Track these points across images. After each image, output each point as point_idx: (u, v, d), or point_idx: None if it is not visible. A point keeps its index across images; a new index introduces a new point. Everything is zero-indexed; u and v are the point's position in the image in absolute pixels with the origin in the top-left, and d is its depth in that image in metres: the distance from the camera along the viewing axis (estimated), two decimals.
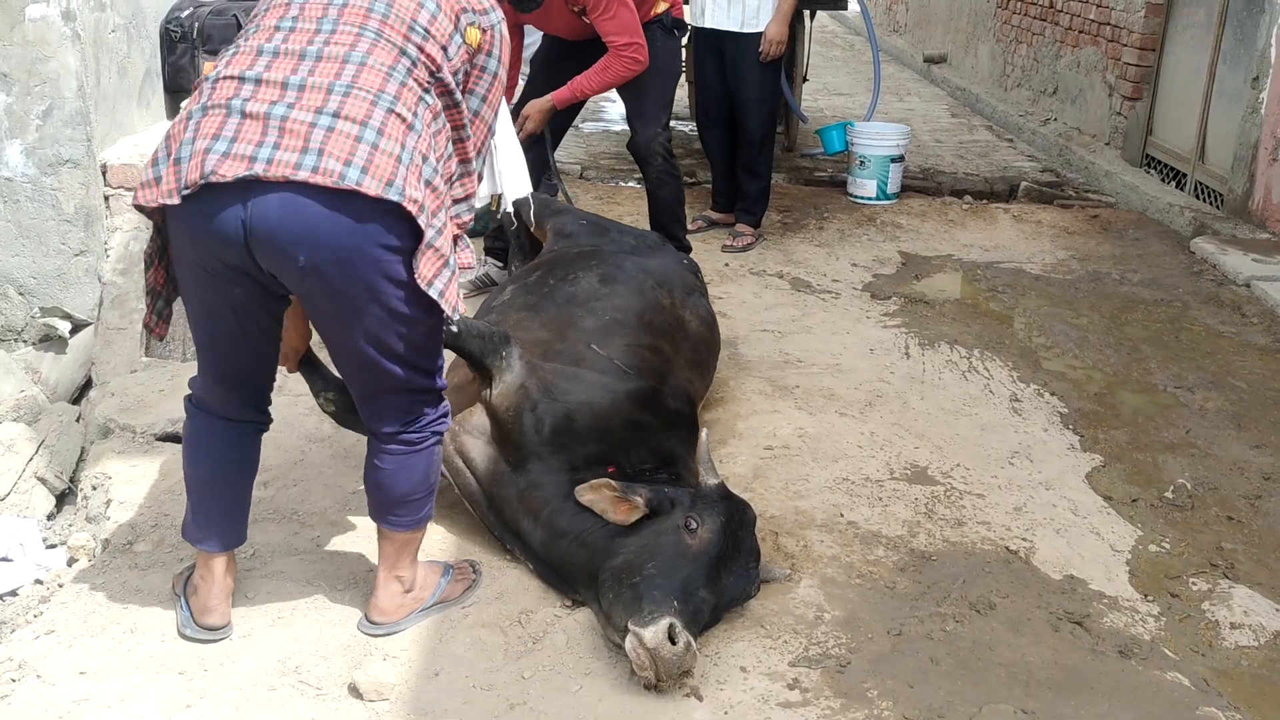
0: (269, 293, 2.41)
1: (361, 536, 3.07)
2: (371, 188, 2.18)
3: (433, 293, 2.31)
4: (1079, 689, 2.55)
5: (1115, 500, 3.38)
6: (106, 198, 4.17)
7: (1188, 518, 3.30)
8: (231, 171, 2.16)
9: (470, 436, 3.04)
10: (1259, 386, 4.13)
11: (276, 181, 2.18)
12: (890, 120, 7.59)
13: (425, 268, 2.29)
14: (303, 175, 2.16)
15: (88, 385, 4.01)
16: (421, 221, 2.25)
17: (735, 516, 2.70)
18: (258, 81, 2.25)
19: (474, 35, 2.50)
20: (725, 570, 2.62)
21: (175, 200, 2.22)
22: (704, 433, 2.79)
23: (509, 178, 3.49)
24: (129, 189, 4.20)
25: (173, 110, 4.79)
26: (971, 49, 10.78)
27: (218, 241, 2.25)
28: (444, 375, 2.63)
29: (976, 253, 5.72)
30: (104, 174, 4.17)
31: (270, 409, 2.72)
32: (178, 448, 3.45)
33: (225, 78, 2.29)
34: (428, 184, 2.31)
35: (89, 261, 4.07)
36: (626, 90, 4.93)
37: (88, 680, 2.51)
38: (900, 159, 6.49)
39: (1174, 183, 6.77)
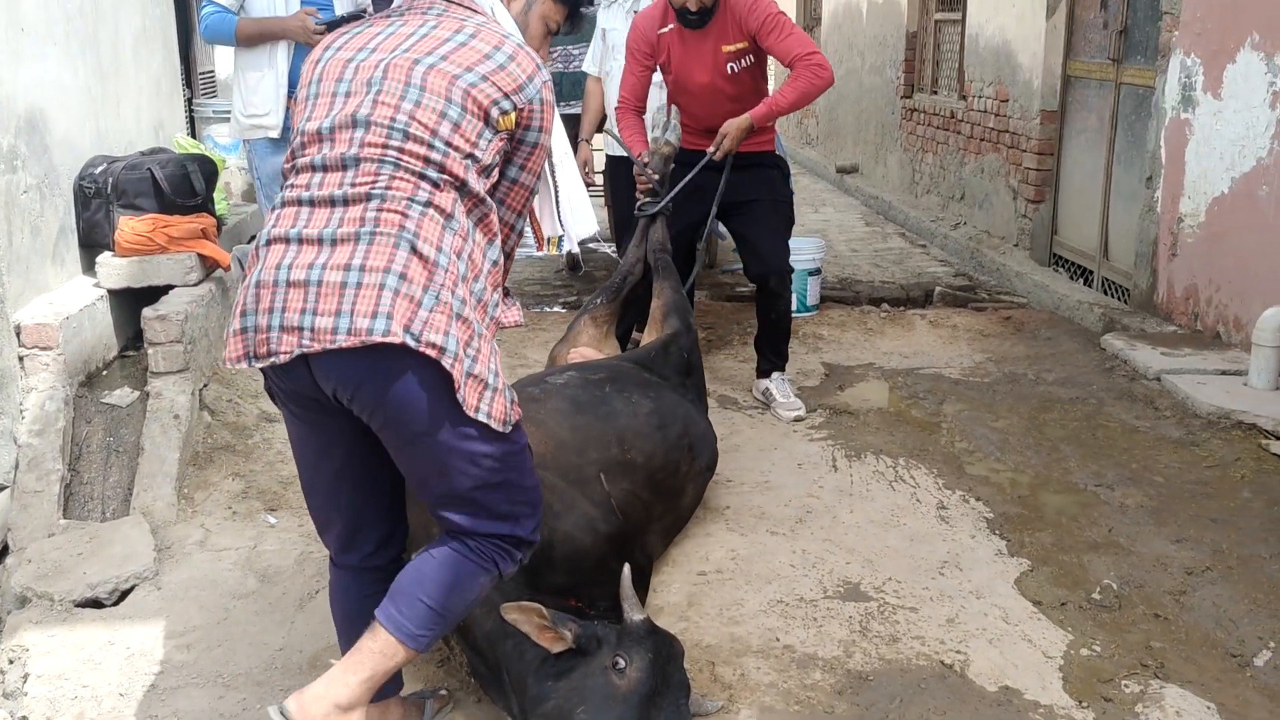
0: (361, 430, 2.46)
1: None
2: (396, 336, 2.26)
3: (480, 417, 2.35)
4: None
5: (1044, 605, 3.41)
6: (21, 358, 4.12)
7: (1116, 618, 3.34)
8: (288, 350, 2.31)
9: None
10: (1175, 480, 4.22)
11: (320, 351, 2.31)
12: (807, 231, 7.80)
13: (469, 396, 2.34)
14: (340, 340, 2.28)
15: (3, 552, 3.90)
16: (445, 363, 2.30)
17: (662, 652, 2.68)
18: (300, 242, 2.37)
19: (509, 121, 2.53)
20: (655, 709, 2.60)
21: (244, 366, 2.37)
22: (626, 568, 2.78)
23: (572, 217, 3.53)
24: (44, 347, 4.17)
25: (88, 265, 4.78)
26: (881, 158, 11.14)
27: (303, 396, 2.42)
28: (534, 529, 2.57)
29: (896, 360, 5.84)
30: (18, 334, 4.12)
31: (402, 560, 2.66)
32: (98, 613, 3.38)
33: (275, 240, 2.40)
34: (458, 318, 2.35)
35: (3, 424, 4.00)
36: (757, 224, 4.93)
37: None
38: (818, 271, 6.64)
39: (1082, 280, 6.99)
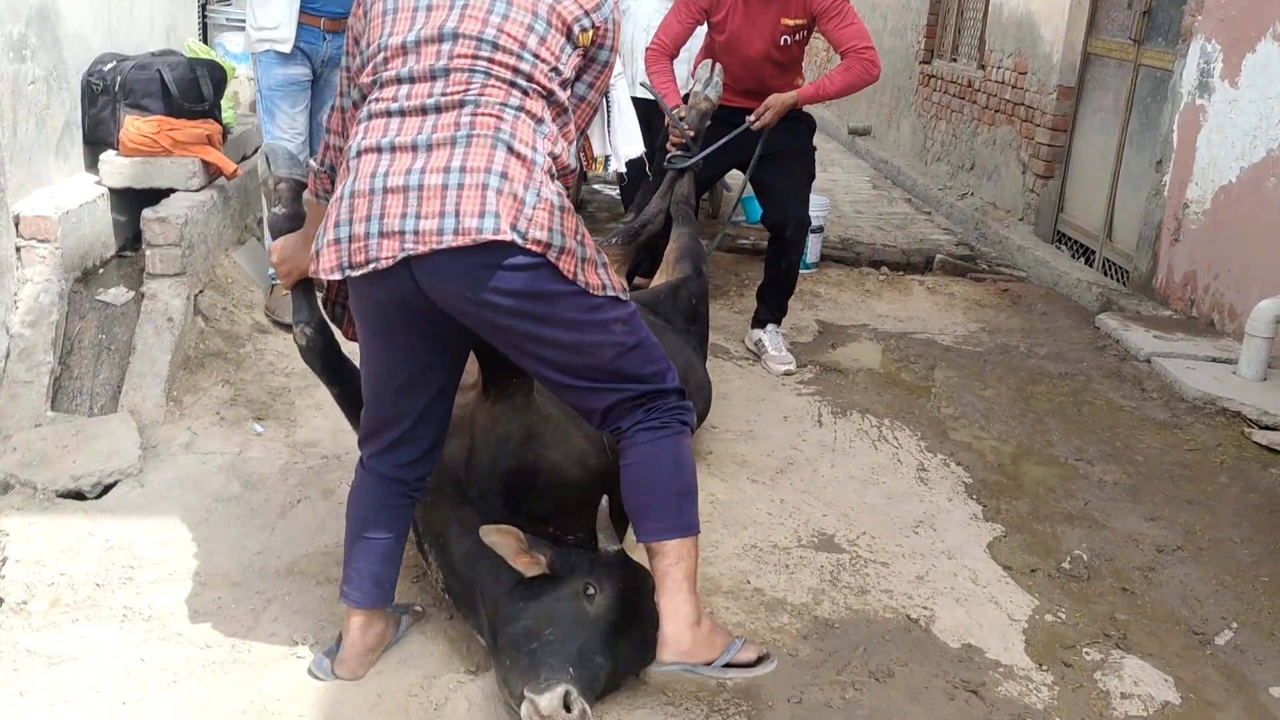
0: (447, 342, 2.58)
1: (266, 600, 3.04)
2: (505, 234, 2.31)
3: (608, 292, 2.47)
4: None
5: (1014, 570, 3.45)
6: (18, 249, 4.11)
7: (1084, 588, 3.38)
8: (389, 256, 2.34)
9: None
10: (1155, 460, 4.26)
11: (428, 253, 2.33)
12: (813, 189, 7.75)
13: (589, 276, 2.44)
14: (447, 240, 2.31)
15: None
16: (550, 257, 2.37)
17: (633, 584, 2.71)
18: (393, 150, 2.41)
19: (587, 38, 2.61)
20: (623, 637, 2.64)
21: (339, 277, 2.40)
22: (604, 500, 2.81)
23: (621, 137, 3.52)
24: (42, 240, 4.15)
25: (91, 163, 4.76)
26: (894, 123, 11.08)
27: (394, 305, 2.46)
28: (675, 378, 2.65)
29: (891, 323, 5.85)
30: (16, 225, 4.11)
31: (425, 483, 2.76)
32: (80, 504, 3.41)
33: (367, 150, 2.43)
34: (562, 210, 2.43)
35: None
36: (781, 174, 4.92)
37: None
38: (820, 229, 6.63)
39: (1083, 259, 7.00)
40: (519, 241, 2.32)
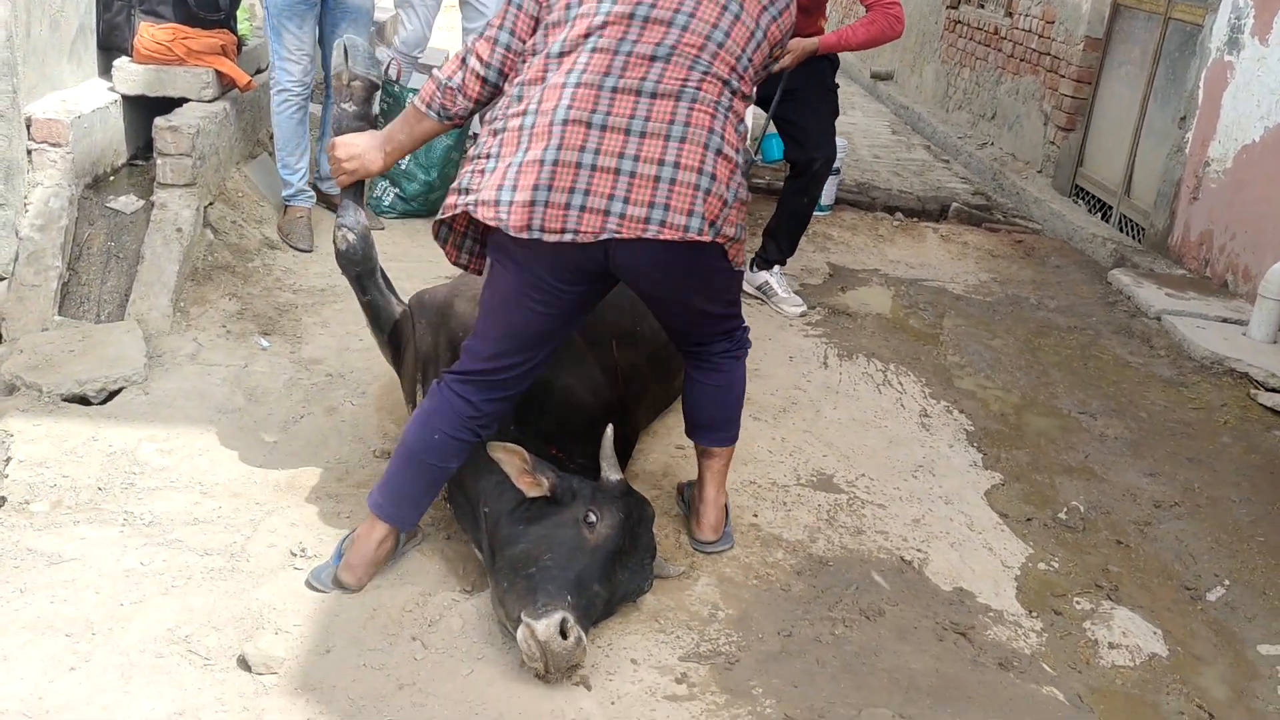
0: (594, 302, 2.76)
1: (266, 511, 3.06)
2: (707, 235, 2.53)
3: (738, 267, 2.76)
4: (957, 697, 2.62)
5: (1010, 518, 3.47)
6: (29, 152, 4.09)
7: (1078, 539, 3.40)
8: (592, 231, 2.47)
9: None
10: (1159, 417, 4.25)
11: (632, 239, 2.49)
12: None
13: (738, 257, 2.72)
14: (652, 232, 2.48)
15: None
16: (729, 248, 2.65)
17: (634, 513, 2.73)
18: (603, 128, 2.49)
19: (776, 32, 2.74)
20: (621, 566, 2.66)
21: (525, 236, 2.48)
22: (609, 428, 2.82)
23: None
24: (53, 144, 4.13)
25: (105, 69, 4.71)
26: (918, 69, 10.95)
27: (571, 269, 2.59)
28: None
29: (902, 269, 5.82)
30: (28, 127, 4.09)
31: (494, 427, 2.81)
32: (84, 409, 3.43)
33: (574, 121, 2.49)
34: (742, 204, 2.66)
35: (6, 215, 3.99)
36: (806, 108, 4.85)
37: None
38: (836, 172, 6.57)
39: (1100, 214, 6.94)
40: (716, 240, 2.55)
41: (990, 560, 3.23)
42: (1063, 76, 7.55)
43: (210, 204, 4.61)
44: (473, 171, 2.61)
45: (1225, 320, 5.07)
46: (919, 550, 3.22)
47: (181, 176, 4.36)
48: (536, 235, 2.48)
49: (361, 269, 3.10)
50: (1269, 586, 3.23)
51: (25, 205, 4.05)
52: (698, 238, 2.50)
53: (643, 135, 2.49)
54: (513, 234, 2.49)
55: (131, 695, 2.37)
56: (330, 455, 3.39)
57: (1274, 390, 4.44)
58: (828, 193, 6.52)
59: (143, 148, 4.79)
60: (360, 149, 2.88)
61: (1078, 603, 3.08)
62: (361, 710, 2.39)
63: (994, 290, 5.61)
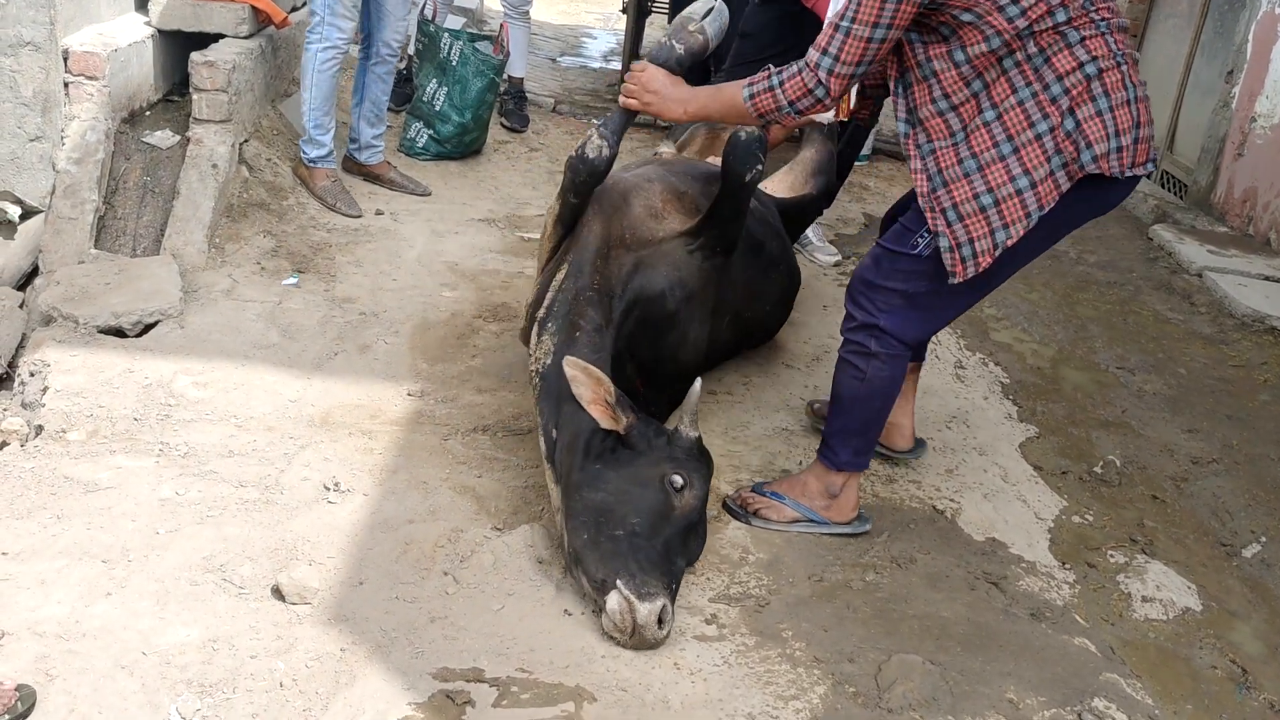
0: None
1: (300, 445, 3.08)
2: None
3: None
4: (988, 646, 2.61)
5: (1045, 471, 3.44)
6: (66, 84, 4.08)
7: (1114, 493, 3.36)
8: (1144, 159, 2.63)
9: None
10: (1198, 374, 4.20)
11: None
12: None
13: None
14: (1155, 149, 2.68)
15: (34, 273, 3.95)
16: None
17: (710, 477, 2.73)
18: (1124, 63, 2.59)
19: None
20: (694, 534, 2.67)
21: (1141, 171, 2.62)
22: (698, 382, 2.78)
23: None
24: (90, 77, 4.12)
25: (141, 3, 4.69)
26: None
27: (1101, 207, 2.74)
28: None
29: None
30: (65, 60, 4.08)
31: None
32: (120, 342, 3.44)
33: (1109, 69, 2.56)
34: None
35: (44, 148, 4.00)
36: None
37: (9, 561, 2.50)
38: (874, 123, 6.47)
39: None
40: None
41: (1024, 512, 3.20)
42: None
43: (245, 141, 4.60)
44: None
45: (1268, 278, 4.99)
46: (952, 500, 3.20)
47: (217, 112, 4.35)
48: (1128, 173, 2.60)
49: (591, 183, 3.09)
50: None
51: (62, 138, 4.05)
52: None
53: (1134, 62, 2.65)
54: (1131, 170, 2.60)
55: (166, 621, 2.39)
56: (363, 393, 3.40)
57: None
58: (865, 143, 6.44)
59: (179, 83, 4.77)
60: (665, 92, 2.87)
61: (1112, 556, 3.06)
62: (394, 641, 2.40)
63: None
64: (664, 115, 2.90)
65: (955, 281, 2.68)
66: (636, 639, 2.43)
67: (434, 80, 5.37)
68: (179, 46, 4.64)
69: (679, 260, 3.10)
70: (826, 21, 2.78)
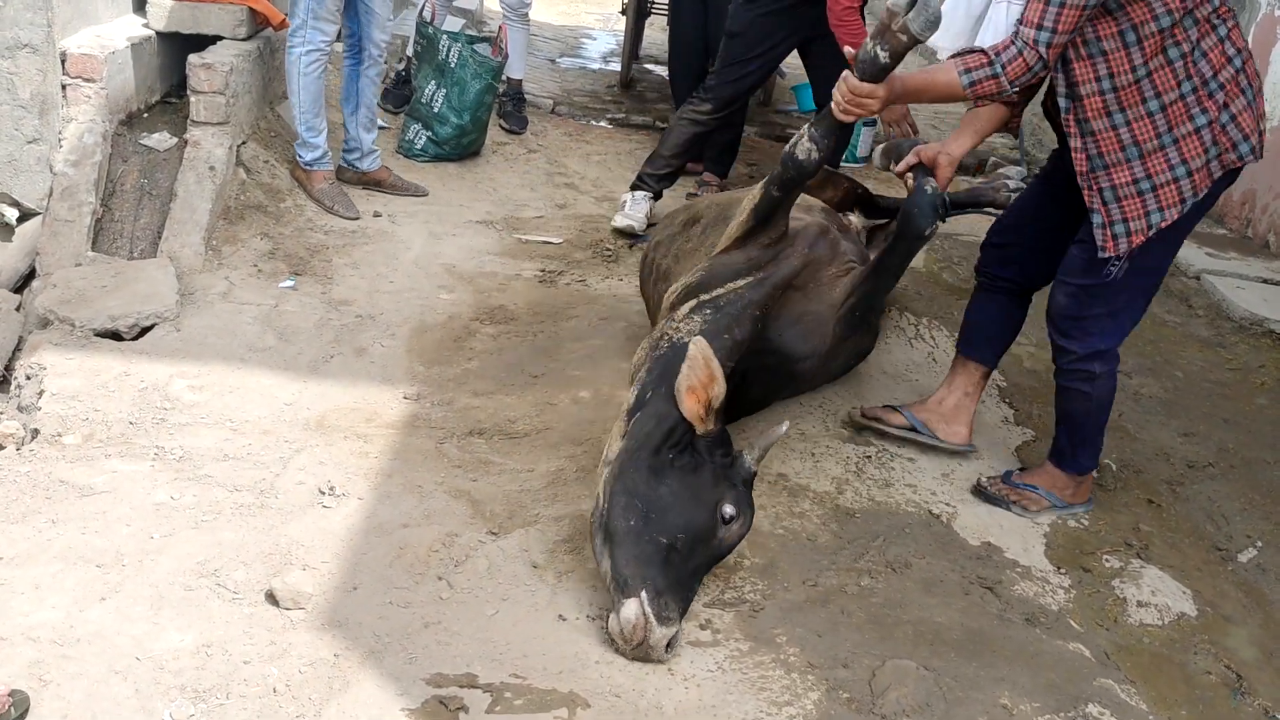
0: None
1: (295, 449, 3.08)
2: None
3: None
4: (982, 651, 2.61)
5: None
6: (64, 87, 4.08)
7: (1110, 497, 3.36)
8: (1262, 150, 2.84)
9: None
10: (1195, 377, 4.20)
11: None
12: None
13: None
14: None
15: (31, 275, 3.95)
16: None
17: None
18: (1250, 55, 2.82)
19: None
20: (716, 566, 2.70)
21: (1250, 160, 2.82)
22: (785, 424, 2.76)
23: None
24: (87, 79, 4.12)
25: (139, 5, 4.69)
26: None
27: (1217, 198, 2.92)
28: None
29: None
30: (63, 62, 4.08)
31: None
32: (116, 345, 3.44)
33: (1248, 58, 2.79)
34: None
35: (41, 150, 4.00)
36: (839, 58, 4.74)
37: (3, 566, 2.51)
38: (873, 123, 6.48)
39: None
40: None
41: (1019, 516, 3.20)
42: None
43: (243, 143, 4.60)
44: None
45: (1266, 281, 4.98)
46: (947, 504, 3.20)
47: (215, 114, 4.35)
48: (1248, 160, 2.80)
49: (797, 181, 3.10)
50: None
51: (60, 140, 4.05)
52: None
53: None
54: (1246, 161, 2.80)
55: (160, 626, 2.39)
56: (359, 396, 3.40)
57: None
58: (863, 144, 6.45)
59: (176, 85, 4.77)
60: (876, 96, 2.81)
61: (1107, 561, 3.06)
62: (387, 647, 2.40)
63: None
64: (880, 115, 3.19)
65: (1105, 256, 2.89)
66: (639, 655, 2.43)
67: (432, 82, 5.38)
68: (177, 48, 4.64)
69: (826, 329, 3.19)
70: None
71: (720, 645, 2.53)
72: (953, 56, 2.85)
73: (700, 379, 2.64)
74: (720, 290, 3.08)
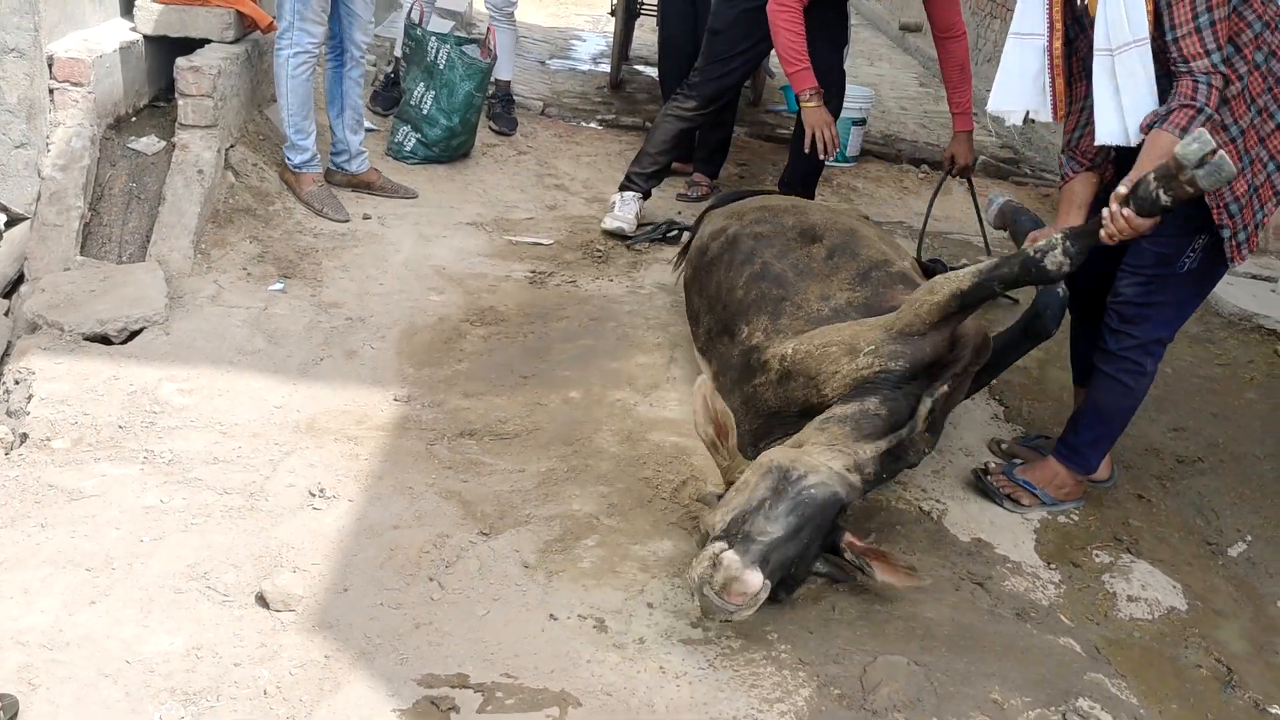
0: None
1: (285, 452, 3.07)
2: None
3: None
4: (973, 647, 2.61)
5: None
6: (51, 91, 4.08)
7: (1099, 493, 3.37)
8: None
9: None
10: (1185, 373, 4.21)
11: None
12: (858, 83, 7.58)
13: None
14: None
15: (19, 280, 3.94)
16: None
17: None
18: None
19: None
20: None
21: None
22: (846, 525, 2.77)
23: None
24: (75, 83, 4.11)
25: (127, 9, 4.68)
26: None
27: None
28: None
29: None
30: (50, 66, 4.07)
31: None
32: (105, 349, 3.44)
33: None
34: None
35: (29, 155, 3.99)
36: (814, 46, 4.66)
37: None
38: (862, 122, 6.50)
39: None
40: None
41: (1009, 513, 3.21)
42: None
43: (232, 146, 4.60)
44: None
45: (1255, 277, 5.00)
46: (938, 501, 3.21)
47: (203, 118, 4.34)
48: None
49: (1039, 284, 3.01)
50: None
51: (47, 145, 4.04)
52: None
53: None
54: None
55: (150, 629, 2.39)
56: (349, 398, 3.39)
57: None
58: (853, 144, 6.46)
59: (164, 89, 4.76)
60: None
61: (1097, 555, 3.07)
62: (378, 648, 2.40)
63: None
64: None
65: (1235, 265, 3.03)
66: (724, 591, 2.39)
67: (421, 84, 5.37)
68: (165, 52, 4.63)
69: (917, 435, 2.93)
70: (1181, 30, 2.75)
71: (712, 643, 2.54)
72: (1150, 125, 2.78)
73: (706, 417, 2.81)
74: (877, 345, 2.86)
